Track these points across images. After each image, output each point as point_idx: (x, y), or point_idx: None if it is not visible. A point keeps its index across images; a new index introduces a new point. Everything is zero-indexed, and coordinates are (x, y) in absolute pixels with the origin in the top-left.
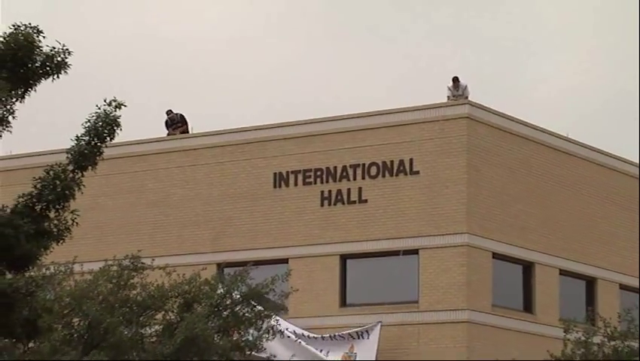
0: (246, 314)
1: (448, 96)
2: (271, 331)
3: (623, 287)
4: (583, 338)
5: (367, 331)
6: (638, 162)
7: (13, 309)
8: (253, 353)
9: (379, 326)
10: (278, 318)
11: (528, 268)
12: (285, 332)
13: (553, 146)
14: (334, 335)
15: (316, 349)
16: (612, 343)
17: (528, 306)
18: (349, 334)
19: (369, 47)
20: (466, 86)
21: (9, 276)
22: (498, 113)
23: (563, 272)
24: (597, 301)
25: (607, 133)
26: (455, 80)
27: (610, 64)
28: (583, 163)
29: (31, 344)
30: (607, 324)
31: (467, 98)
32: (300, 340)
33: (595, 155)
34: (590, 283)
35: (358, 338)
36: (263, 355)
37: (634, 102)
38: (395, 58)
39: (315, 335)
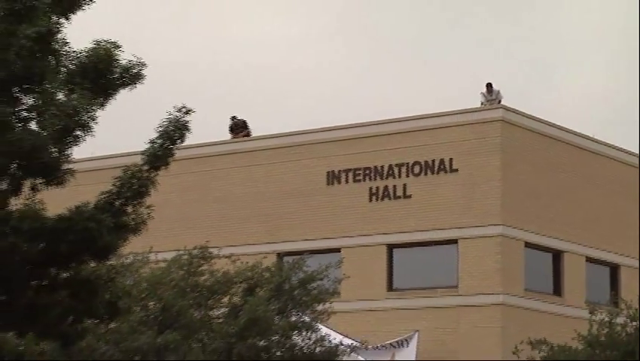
0: (303, 298)
1: (482, 102)
2: (325, 314)
3: None
4: (607, 319)
5: (406, 340)
6: None
7: (97, 293)
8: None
9: (416, 335)
10: (328, 328)
11: (557, 255)
12: (333, 341)
13: (580, 145)
14: (377, 346)
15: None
16: (634, 323)
17: (557, 290)
18: (390, 343)
19: (414, 60)
20: (499, 91)
21: (92, 264)
22: (530, 117)
23: (589, 259)
24: (620, 286)
25: (628, 133)
26: (489, 85)
27: (629, 72)
28: (607, 161)
29: (112, 325)
30: (629, 306)
31: (500, 101)
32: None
33: (618, 153)
34: (614, 269)
35: (399, 346)
36: (317, 334)
37: None
38: (441, 69)
39: (360, 345)
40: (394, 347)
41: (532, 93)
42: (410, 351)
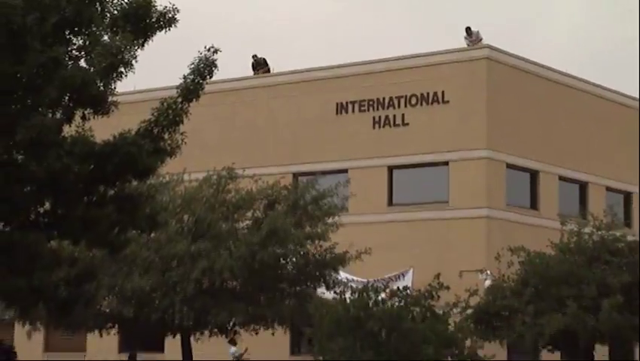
0: (315, 213)
1: (467, 44)
2: (335, 225)
3: (609, 189)
4: (576, 229)
5: (402, 274)
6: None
7: (139, 208)
8: (322, 242)
9: (411, 271)
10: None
11: (534, 175)
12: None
13: (556, 80)
14: (377, 280)
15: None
16: (599, 232)
17: (534, 205)
18: (389, 277)
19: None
20: (478, 32)
21: (135, 183)
22: (512, 55)
23: (562, 178)
24: (588, 200)
25: (602, 68)
26: (468, 29)
27: (611, 14)
28: (579, 94)
29: (152, 235)
30: (595, 218)
31: (481, 40)
32: (350, 283)
33: (590, 87)
34: (583, 186)
35: (396, 280)
36: (327, 243)
37: (631, 46)
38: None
39: (361, 280)
40: (392, 280)
41: (517, 32)
42: (406, 283)
